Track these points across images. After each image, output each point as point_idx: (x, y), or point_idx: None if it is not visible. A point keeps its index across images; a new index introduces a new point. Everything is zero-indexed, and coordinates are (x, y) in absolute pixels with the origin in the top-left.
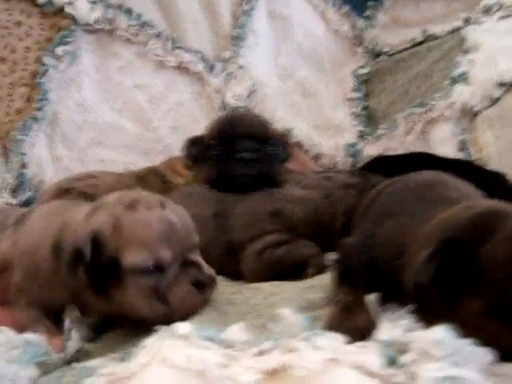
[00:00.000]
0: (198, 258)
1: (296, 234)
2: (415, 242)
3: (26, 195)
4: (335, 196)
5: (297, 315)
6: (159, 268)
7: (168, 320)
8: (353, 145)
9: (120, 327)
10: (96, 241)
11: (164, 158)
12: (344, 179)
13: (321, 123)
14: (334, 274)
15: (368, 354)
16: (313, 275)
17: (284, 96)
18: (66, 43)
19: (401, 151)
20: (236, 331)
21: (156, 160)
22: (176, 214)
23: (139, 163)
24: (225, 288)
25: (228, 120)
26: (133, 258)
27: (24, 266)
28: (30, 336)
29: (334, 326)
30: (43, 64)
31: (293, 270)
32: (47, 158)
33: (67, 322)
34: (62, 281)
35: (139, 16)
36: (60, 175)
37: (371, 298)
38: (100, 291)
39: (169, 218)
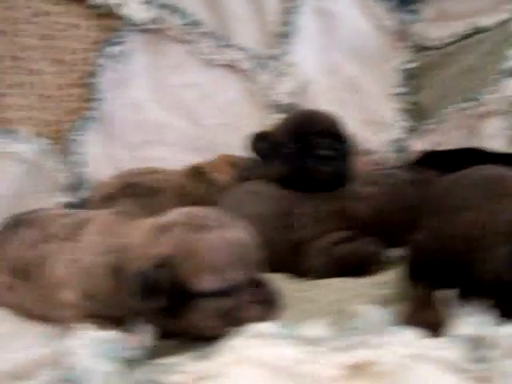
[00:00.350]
0: (264, 276)
1: (360, 231)
2: (489, 236)
3: (85, 194)
4: (399, 192)
5: (379, 310)
6: (231, 291)
7: None
8: (400, 140)
9: None
10: (167, 266)
11: (214, 155)
12: (406, 176)
13: (368, 119)
14: (404, 270)
15: (453, 349)
16: (377, 271)
17: (331, 92)
18: (119, 43)
19: (450, 146)
20: (317, 328)
21: (206, 158)
22: (244, 233)
23: (190, 161)
24: (294, 286)
25: (303, 117)
26: (206, 283)
27: (81, 285)
28: (110, 333)
29: (409, 321)
30: (98, 64)
31: (357, 267)
32: (103, 157)
33: (134, 321)
34: (122, 301)
35: (189, 15)
36: (115, 174)
37: (446, 294)
38: (169, 314)
39: (240, 238)
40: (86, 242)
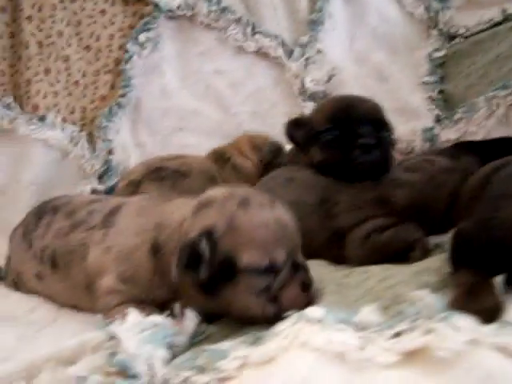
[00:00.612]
0: (303, 259)
1: (400, 218)
2: None
3: (112, 181)
4: (439, 179)
5: (433, 296)
6: (273, 269)
7: (275, 320)
8: (430, 129)
9: None
10: (209, 239)
11: None
12: (446, 163)
13: (396, 108)
14: (451, 257)
15: (510, 335)
16: (419, 258)
17: (359, 80)
18: (149, 30)
19: (481, 135)
20: (369, 313)
21: None
22: (286, 214)
23: None
24: (335, 272)
25: (343, 103)
26: (249, 258)
27: (119, 271)
28: (156, 318)
29: (459, 308)
30: (126, 51)
31: (398, 254)
32: (131, 144)
33: (177, 307)
34: (161, 280)
35: (219, 2)
36: (144, 160)
37: (496, 280)
38: (209, 290)
39: (282, 218)
40: (121, 227)
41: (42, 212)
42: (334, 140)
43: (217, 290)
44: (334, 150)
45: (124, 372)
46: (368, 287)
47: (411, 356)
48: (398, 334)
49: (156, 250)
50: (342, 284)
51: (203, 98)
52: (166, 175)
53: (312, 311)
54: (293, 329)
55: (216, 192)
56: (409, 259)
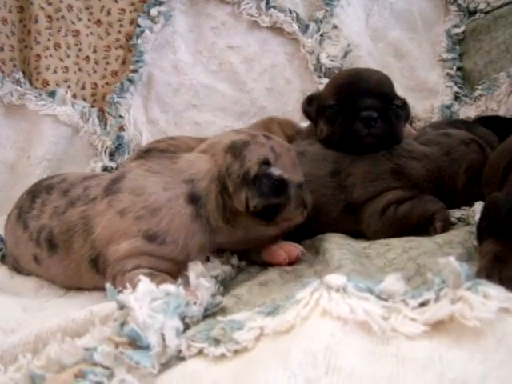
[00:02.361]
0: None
1: (417, 191)
2: None
3: (123, 158)
4: (457, 152)
5: (459, 264)
6: (301, 185)
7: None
8: (448, 106)
9: (247, 282)
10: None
11: (258, 119)
12: (464, 135)
13: (414, 85)
14: (480, 226)
15: None
16: (441, 231)
17: (376, 57)
18: (161, 4)
19: (502, 112)
20: (393, 282)
21: (251, 122)
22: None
23: (234, 125)
24: (354, 244)
25: (349, 77)
26: (295, 177)
27: (144, 229)
28: (169, 287)
29: (486, 276)
30: (138, 25)
31: (418, 227)
32: (143, 121)
33: (192, 276)
34: (200, 225)
35: None
36: (156, 138)
37: None
38: (267, 215)
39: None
40: (135, 188)
41: (36, 191)
42: (337, 114)
43: (272, 213)
44: (338, 123)
45: (134, 343)
46: (389, 258)
47: (438, 326)
48: (423, 304)
49: (194, 199)
50: (362, 254)
51: (217, 73)
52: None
53: (332, 279)
54: (312, 297)
55: (235, 137)
56: (429, 232)
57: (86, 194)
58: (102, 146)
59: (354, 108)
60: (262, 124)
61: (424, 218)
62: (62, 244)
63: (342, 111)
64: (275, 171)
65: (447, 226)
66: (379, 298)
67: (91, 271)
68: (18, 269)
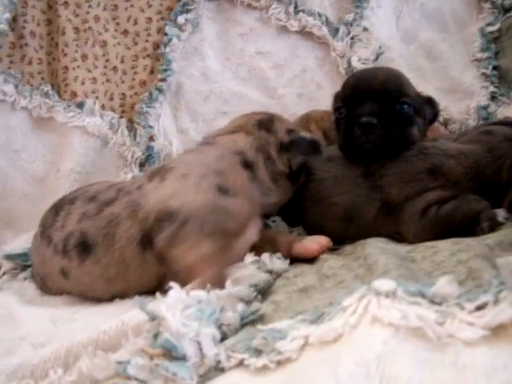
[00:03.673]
0: None
1: (459, 190)
2: None
3: None
4: (500, 150)
5: None
6: None
7: None
8: (485, 107)
9: (285, 287)
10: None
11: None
12: (508, 131)
13: (448, 87)
14: None
15: None
16: (488, 231)
17: (408, 60)
18: (188, 11)
19: None
20: (446, 285)
21: None
22: None
23: None
24: (397, 248)
25: (355, 78)
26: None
27: (214, 183)
28: (201, 294)
29: None
30: (165, 34)
31: (462, 228)
32: (173, 131)
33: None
34: (255, 185)
35: None
36: (186, 147)
37: None
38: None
39: None
40: (187, 171)
41: (59, 206)
42: (341, 118)
43: (299, 174)
44: (341, 129)
45: (170, 354)
46: (437, 261)
47: (498, 331)
48: (480, 307)
49: (247, 165)
50: (407, 258)
51: (246, 80)
52: None
53: (381, 284)
54: (360, 304)
55: (257, 116)
56: (477, 232)
57: (125, 190)
58: (132, 157)
59: (355, 113)
60: (300, 122)
61: (468, 218)
62: (102, 239)
63: (346, 115)
64: (305, 134)
65: (494, 225)
66: (432, 302)
67: (139, 255)
68: (45, 291)
